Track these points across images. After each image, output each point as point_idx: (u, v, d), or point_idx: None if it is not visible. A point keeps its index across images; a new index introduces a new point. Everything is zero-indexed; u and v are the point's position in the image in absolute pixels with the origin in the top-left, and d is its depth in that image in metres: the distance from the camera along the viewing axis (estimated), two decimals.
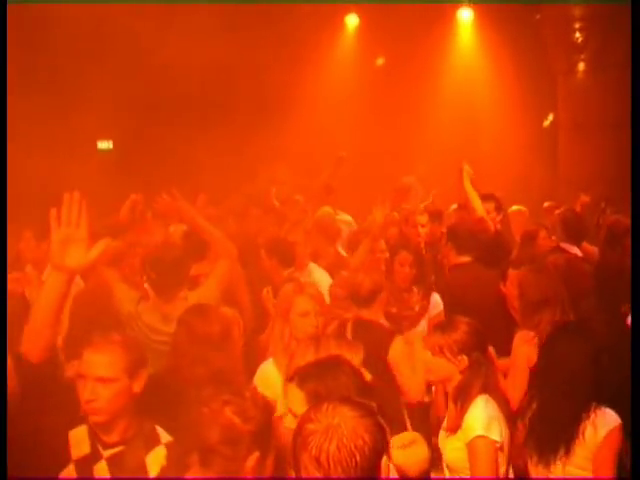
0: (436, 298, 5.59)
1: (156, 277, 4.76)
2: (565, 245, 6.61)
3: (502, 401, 3.78)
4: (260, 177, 10.84)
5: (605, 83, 11.17)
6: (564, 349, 3.78)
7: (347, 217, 8.37)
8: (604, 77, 11.22)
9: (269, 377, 4.13)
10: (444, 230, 6.72)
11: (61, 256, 2.82)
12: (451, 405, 3.79)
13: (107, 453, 3.01)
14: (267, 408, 2.69)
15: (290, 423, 2.71)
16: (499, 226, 6.78)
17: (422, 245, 6.97)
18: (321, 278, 6.10)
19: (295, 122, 11.65)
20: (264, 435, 2.62)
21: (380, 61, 13.38)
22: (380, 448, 2.14)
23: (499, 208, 6.95)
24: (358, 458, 2.08)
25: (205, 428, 2.58)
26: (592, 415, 3.63)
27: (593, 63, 11.52)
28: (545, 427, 3.72)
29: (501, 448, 3.62)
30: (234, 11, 11.12)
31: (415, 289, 5.57)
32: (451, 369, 3.75)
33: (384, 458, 2.15)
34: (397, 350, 4.53)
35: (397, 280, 5.53)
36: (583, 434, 3.62)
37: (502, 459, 3.66)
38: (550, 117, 12.91)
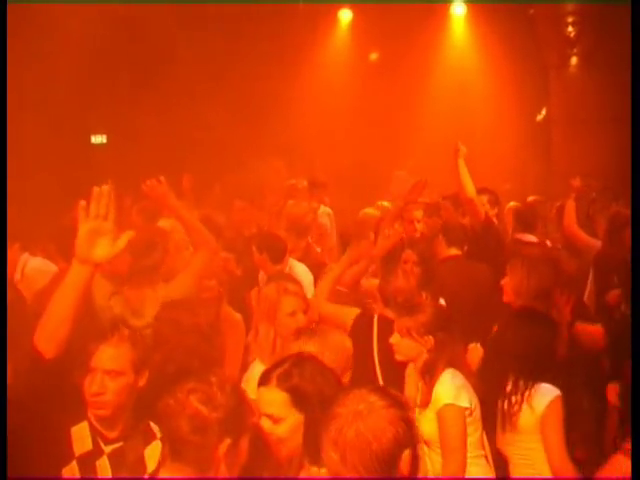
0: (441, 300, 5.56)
1: (130, 269, 4.75)
2: (520, 235, 6.66)
3: (469, 375, 3.99)
4: (252, 170, 10.85)
5: (598, 77, 11.21)
6: (511, 332, 4.01)
7: (327, 209, 8.38)
8: (597, 71, 11.26)
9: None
10: (439, 223, 6.63)
11: (88, 249, 2.80)
12: (421, 382, 3.98)
13: (108, 449, 3.03)
14: (235, 393, 2.62)
15: (271, 429, 2.69)
16: (495, 220, 6.69)
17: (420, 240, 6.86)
18: (301, 272, 6.07)
19: (288, 116, 11.66)
20: (234, 421, 2.56)
21: (374, 56, 13.37)
22: (402, 442, 2.13)
23: (493, 202, 6.87)
24: (374, 447, 2.09)
25: (172, 419, 2.53)
26: (527, 393, 3.79)
27: (586, 57, 11.56)
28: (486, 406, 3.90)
29: (470, 414, 3.82)
30: (226, 7, 11.13)
31: (424, 295, 5.53)
32: (418, 349, 3.97)
33: (406, 452, 2.14)
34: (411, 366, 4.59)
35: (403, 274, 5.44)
36: (518, 411, 3.79)
37: (476, 425, 3.86)
38: (543, 112, 12.93)
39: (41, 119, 9.65)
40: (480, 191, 6.63)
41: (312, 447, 2.67)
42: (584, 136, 11.35)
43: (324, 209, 8.29)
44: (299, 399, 2.70)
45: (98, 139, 12.41)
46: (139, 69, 10.76)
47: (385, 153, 12.20)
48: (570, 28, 11.56)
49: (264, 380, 2.76)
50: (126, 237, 2.85)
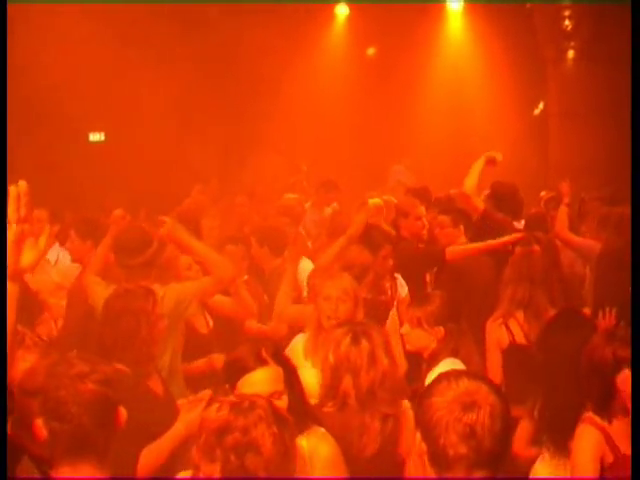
0: (401, 279, 5.59)
1: (124, 264, 4.68)
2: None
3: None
4: (250, 167, 10.88)
5: (594, 71, 11.21)
6: (562, 335, 3.68)
7: (336, 206, 8.40)
8: (594, 64, 11.26)
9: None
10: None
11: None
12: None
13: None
14: (117, 370, 2.50)
15: (279, 403, 2.72)
16: (498, 214, 6.55)
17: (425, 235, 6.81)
18: (303, 265, 6.03)
19: (285, 111, 11.67)
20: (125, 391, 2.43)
21: (370, 51, 13.40)
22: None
23: None
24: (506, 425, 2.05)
25: (77, 417, 2.26)
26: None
27: (583, 51, 11.56)
28: (555, 420, 3.51)
29: None
30: (223, 4, 11.15)
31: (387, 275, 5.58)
32: (428, 339, 3.98)
33: None
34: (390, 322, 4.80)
35: (379, 271, 5.45)
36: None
37: None
38: (541, 105, 12.94)
39: (39, 116, 9.67)
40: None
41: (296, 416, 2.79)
42: (582, 129, 11.35)
43: (334, 206, 8.39)
44: (288, 372, 2.94)
45: (96, 137, 12.42)
46: (137, 67, 10.77)
47: (382, 148, 12.22)
48: (567, 22, 11.55)
49: (260, 362, 2.84)
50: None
